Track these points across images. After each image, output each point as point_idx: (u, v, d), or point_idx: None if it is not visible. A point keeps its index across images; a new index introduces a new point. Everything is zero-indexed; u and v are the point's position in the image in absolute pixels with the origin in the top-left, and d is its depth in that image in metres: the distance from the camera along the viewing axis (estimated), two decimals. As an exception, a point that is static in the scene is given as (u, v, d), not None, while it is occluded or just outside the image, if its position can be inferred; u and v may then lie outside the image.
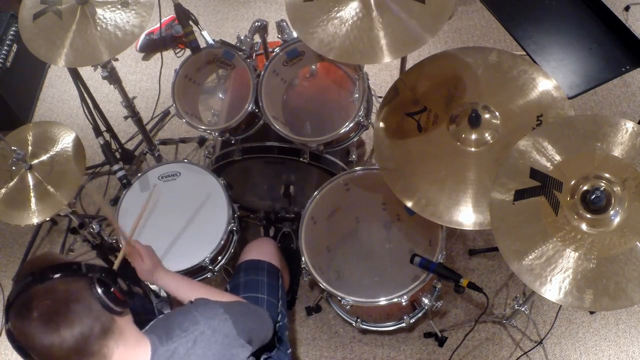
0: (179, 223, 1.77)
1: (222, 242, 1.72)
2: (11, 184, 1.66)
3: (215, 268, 1.77)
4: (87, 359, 0.99)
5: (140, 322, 1.57)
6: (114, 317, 1.03)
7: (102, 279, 1.03)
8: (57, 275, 1.00)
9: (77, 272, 1.02)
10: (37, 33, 1.63)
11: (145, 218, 1.77)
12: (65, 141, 1.72)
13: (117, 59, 1.86)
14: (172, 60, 2.73)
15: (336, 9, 1.49)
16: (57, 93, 2.79)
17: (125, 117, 2.10)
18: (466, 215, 1.43)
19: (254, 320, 1.36)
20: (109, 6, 1.63)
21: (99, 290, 1.01)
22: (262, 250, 1.75)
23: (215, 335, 1.14)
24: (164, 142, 2.50)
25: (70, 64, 1.63)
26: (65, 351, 0.96)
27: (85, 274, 1.03)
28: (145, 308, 1.64)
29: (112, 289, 1.04)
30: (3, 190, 1.67)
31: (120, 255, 1.43)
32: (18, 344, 0.99)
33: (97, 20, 1.61)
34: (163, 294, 1.66)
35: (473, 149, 1.48)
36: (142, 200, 1.81)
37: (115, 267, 1.42)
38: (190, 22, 1.75)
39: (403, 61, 1.83)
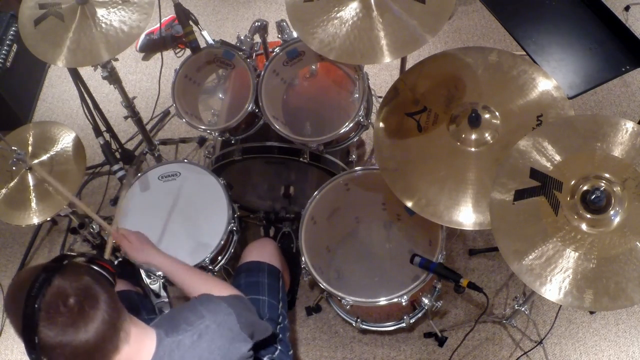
0: (178, 223, 1.77)
1: (222, 242, 1.72)
2: (11, 184, 1.66)
3: (215, 268, 1.77)
4: (107, 349, 1.00)
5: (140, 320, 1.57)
6: (120, 307, 1.04)
7: (92, 258, 1.06)
8: (67, 267, 1.00)
9: (67, 258, 1.03)
10: (41, 38, 1.63)
11: (144, 218, 1.77)
12: (65, 141, 1.72)
13: (117, 59, 1.86)
14: (172, 60, 2.73)
15: (336, 9, 1.49)
16: (57, 93, 2.79)
17: (125, 117, 2.10)
18: (466, 215, 1.43)
19: (254, 315, 1.36)
20: (110, 6, 1.63)
21: (98, 269, 1.04)
22: (263, 251, 1.75)
23: (220, 330, 1.16)
24: (164, 142, 2.50)
25: (71, 64, 1.63)
26: (93, 344, 0.96)
27: (75, 257, 1.04)
28: (146, 308, 1.65)
29: (102, 263, 1.06)
30: (3, 191, 1.67)
31: (109, 243, 1.46)
32: (42, 349, 0.94)
33: (97, 20, 1.61)
34: (163, 293, 1.66)
35: (473, 149, 1.48)
36: (142, 201, 1.81)
37: (106, 256, 1.43)
38: (190, 22, 1.75)
39: (403, 61, 1.83)
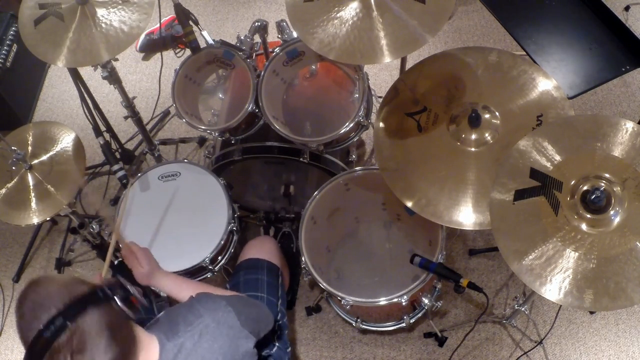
0: (179, 223, 1.77)
1: (222, 242, 1.72)
2: (11, 184, 1.66)
3: (215, 268, 1.77)
4: None
5: (141, 322, 1.57)
6: (132, 325, 1.03)
7: (121, 294, 1.02)
8: (88, 309, 0.95)
9: (100, 299, 0.99)
10: (41, 38, 1.63)
11: (144, 218, 1.78)
12: (65, 141, 1.72)
13: (117, 59, 1.86)
14: (172, 60, 2.73)
15: (336, 9, 1.49)
16: (57, 93, 2.80)
17: (125, 117, 2.11)
18: (466, 215, 1.43)
19: (255, 311, 1.36)
20: (110, 6, 1.63)
21: (122, 305, 1.01)
22: (262, 249, 1.75)
23: (220, 328, 1.15)
24: (164, 142, 2.50)
25: (71, 64, 1.63)
26: None
27: (107, 297, 1.00)
28: (145, 308, 1.64)
29: (130, 297, 1.03)
30: (3, 191, 1.67)
31: (110, 250, 1.43)
32: None
33: (97, 20, 1.61)
34: (163, 293, 1.66)
35: (473, 149, 1.48)
36: (142, 201, 1.81)
37: (103, 274, 1.41)
38: (190, 22, 1.75)
39: (403, 61, 1.83)
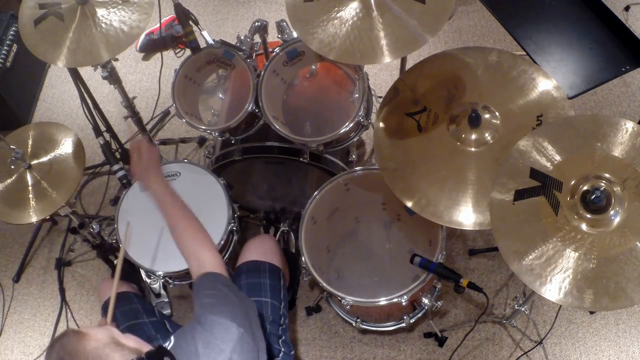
0: (179, 223, 1.76)
1: (222, 242, 1.72)
2: (8, 181, 1.66)
3: (215, 268, 1.77)
4: None
5: (141, 328, 1.56)
6: None
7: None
8: None
9: None
10: (41, 38, 1.63)
11: (144, 218, 1.77)
12: (65, 141, 1.72)
13: (117, 59, 1.86)
14: (172, 60, 2.73)
15: (336, 9, 1.49)
16: (57, 93, 2.79)
17: (125, 117, 2.10)
18: (466, 215, 1.43)
19: (253, 312, 1.30)
20: (110, 6, 1.63)
21: None
22: (263, 249, 1.74)
23: (242, 356, 1.12)
24: (164, 142, 2.50)
25: (70, 64, 1.63)
26: None
27: None
28: (145, 309, 1.64)
29: None
30: (1, 189, 1.66)
31: (119, 264, 1.41)
32: None
33: (97, 20, 1.61)
34: (163, 293, 1.66)
35: (473, 149, 1.48)
36: (142, 200, 1.81)
37: (116, 276, 1.39)
38: (190, 22, 1.75)
39: (403, 61, 1.83)
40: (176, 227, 1.35)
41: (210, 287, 1.23)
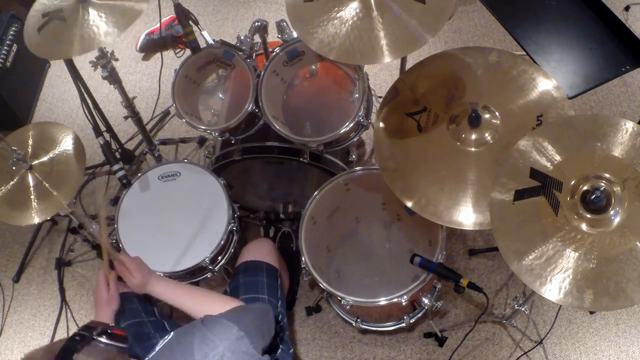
0: (179, 223, 1.77)
1: (222, 242, 1.72)
2: (11, 183, 1.66)
3: (215, 268, 1.77)
4: None
5: (141, 328, 1.57)
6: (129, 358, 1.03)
7: (102, 332, 1.02)
8: (74, 356, 0.96)
9: (81, 342, 0.99)
10: (44, 39, 1.62)
11: (144, 218, 1.78)
12: (65, 141, 1.72)
13: (117, 59, 1.86)
14: (172, 60, 2.73)
15: (336, 9, 1.49)
16: (57, 93, 2.80)
17: (125, 117, 2.10)
18: (466, 215, 1.43)
19: (261, 324, 1.33)
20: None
21: (106, 339, 1.01)
22: (261, 251, 1.75)
23: (235, 355, 1.13)
24: (164, 142, 2.50)
25: (76, 52, 1.61)
26: None
27: (86, 338, 1.01)
28: (146, 310, 1.64)
29: (110, 331, 1.03)
30: (3, 191, 1.67)
31: (105, 259, 1.45)
32: None
33: (95, 12, 1.60)
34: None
35: (473, 149, 1.48)
36: (142, 201, 1.81)
37: (105, 270, 1.42)
38: (190, 22, 1.75)
39: (403, 61, 1.83)
40: (186, 304, 1.40)
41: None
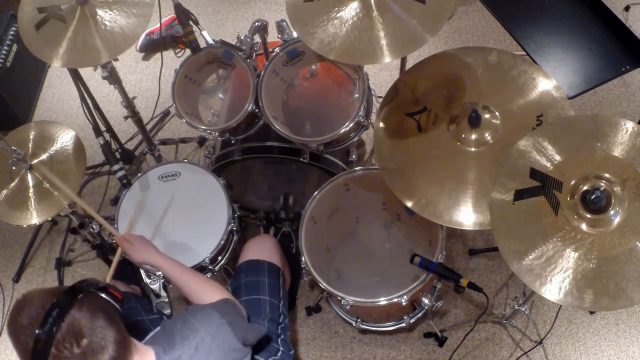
0: (179, 223, 1.77)
1: (222, 242, 1.72)
2: (12, 184, 1.66)
3: (215, 268, 1.77)
4: None
5: (140, 326, 1.57)
6: (128, 340, 1.04)
7: (99, 286, 1.05)
8: (76, 299, 0.98)
9: (83, 290, 1.01)
10: (43, 41, 1.63)
11: (145, 218, 1.78)
12: (65, 141, 1.72)
13: (117, 59, 1.86)
14: (172, 60, 2.73)
15: (336, 9, 1.49)
16: (57, 93, 2.79)
17: (125, 117, 2.10)
18: (466, 215, 1.43)
19: (245, 321, 1.38)
20: (110, 8, 1.63)
21: (105, 296, 1.04)
22: (262, 249, 1.75)
23: (215, 341, 1.17)
24: (164, 142, 2.50)
25: (70, 64, 1.63)
26: None
27: (89, 287, 1.03)
28: (145, 308, 1.64)
29: (109, 289, 1.06)
30: (4, 192, 1.66)
31: (113, 265, 1.48)
32: None
33: (98, 20, 1.61)
34: (163, 293, 1.66)
35: (473, 149, 1.48)
36: (142, 201, 1.81)
37: (108, 279, 1.44)
38: (190, 22, 1.75)
39: (403, 61, 1.83)
40: (182, 281, 1.46)
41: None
